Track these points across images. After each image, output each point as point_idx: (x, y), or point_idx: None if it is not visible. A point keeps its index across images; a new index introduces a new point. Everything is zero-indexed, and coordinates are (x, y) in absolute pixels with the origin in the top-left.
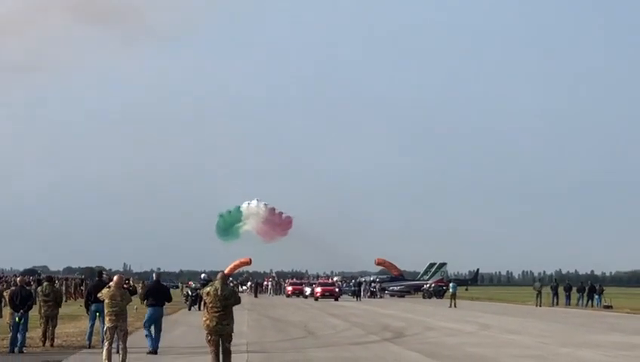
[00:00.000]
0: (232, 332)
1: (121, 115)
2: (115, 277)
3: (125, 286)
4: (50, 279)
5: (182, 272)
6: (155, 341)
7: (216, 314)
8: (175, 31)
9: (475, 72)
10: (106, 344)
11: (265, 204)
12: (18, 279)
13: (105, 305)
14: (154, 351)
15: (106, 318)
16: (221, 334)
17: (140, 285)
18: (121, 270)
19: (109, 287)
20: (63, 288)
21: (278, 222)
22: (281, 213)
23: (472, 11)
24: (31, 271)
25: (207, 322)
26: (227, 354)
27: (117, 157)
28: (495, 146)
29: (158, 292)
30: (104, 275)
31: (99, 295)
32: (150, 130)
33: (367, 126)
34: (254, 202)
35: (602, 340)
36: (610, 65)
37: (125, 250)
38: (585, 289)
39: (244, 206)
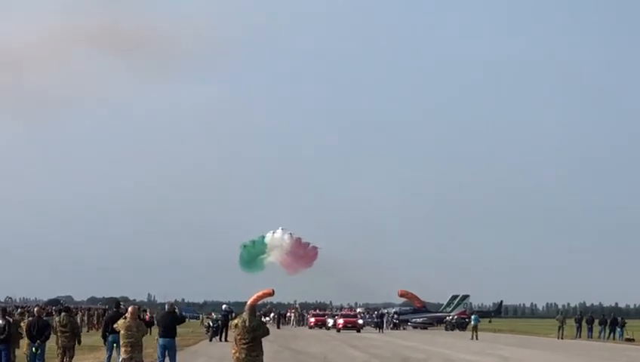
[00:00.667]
0: None
1: (145, 146)
2: (130, 308)
3: (144, 317)
4: (68, 309)
5: (206, 303)
6: None
7: (245, 346)
8: (201, 60)
9: (500, 98)
10: None
11: (290, 234)
12: (35, 309)
13: (120, 336)
14: None
15: (122, 349)
16: None
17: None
18: (145, 300)
19: (125, 318)
20: (85, 318)
21: (302, 254)
22: (307, 244)
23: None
24: (54, 301)
25: (237, 354)
26: None
27: (138, 186)
28: (520, 174)
29: (168, 322)
30: (122, 306)
31: (115, 326)
32: (175, 161)
33: (388, 157)
34: (279, 232)
35: None
36: None
37: (150, 280)
38: (607, 321)
39: (268, 236)
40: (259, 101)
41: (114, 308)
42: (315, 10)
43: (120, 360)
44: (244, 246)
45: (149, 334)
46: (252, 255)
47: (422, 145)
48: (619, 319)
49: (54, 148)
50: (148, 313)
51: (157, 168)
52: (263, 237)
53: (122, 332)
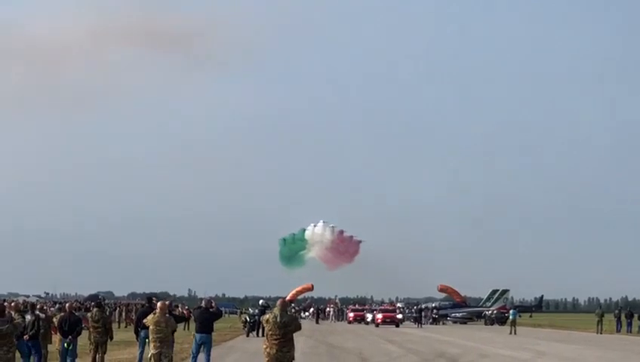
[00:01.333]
0: (293, 359)
1: (182, 142)
2: (159, 303)
3: (184, 311)
4: (100, 305)
5: (246, 298)
6: None
7: (276, 342)
8: (236, 57)
9: (535, 95)
10: None
11: (332, 227)
12: (67, 305)
13: (150, 332)
14: None
15: (151, 344)
16: (281, 361)
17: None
18: (186, 296)
19: (155, 314)
20: (123, 314)
21: (343, 249)
22: (350, 237)
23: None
24: (94, 297)
25: (268, 349)
26: None
27: (178, 183)
28: (558, 169)
29: (204, 318)
30: (154, 301)
31: (144, 321)
32: (212, 156)
33: (426, 149)
34: (320, 224)
35: None
36: None
37: (190, 275)
38: None
39: (309, 229)
40: (292, 97)
41: (146, 303)
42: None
43: (149, 355)
44: (284, 240)
45: (186, 330)
46: (292, 250)
47: (462, 143)
48: None
49: (90, 143)
50: (186, 308)
51: (194, 164)
52: (304, 230)
53: (151, 327)
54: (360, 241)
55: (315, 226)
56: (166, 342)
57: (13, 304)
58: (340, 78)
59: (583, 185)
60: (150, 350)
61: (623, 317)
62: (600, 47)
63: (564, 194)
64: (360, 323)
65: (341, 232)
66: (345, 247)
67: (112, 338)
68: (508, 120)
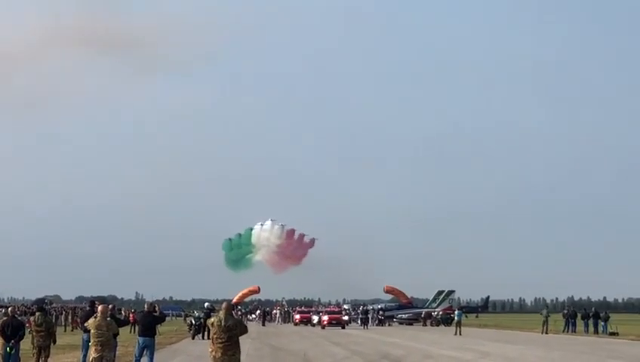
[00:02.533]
0: None
1: (133, 143)
2: (100, 307)
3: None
4: (42, 309)
5: (194, 301)
6: None
7: (221, 345)
8: (188, 61)
9: (487, 100)
10: None
11: (282, 225)
12: (9, 309)
13: (91, 335)
14: None
15: (92, 348)
16: None
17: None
18: (134, 299)
19: (95, 317)
20: (70, 317)
21: (290, 252)
22: (302, 235)
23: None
24: (41, 301)
25: (213, 353)
26: None
27: (128, 185)
28: (506, 171)
29: (147, 321)
30: (96, 305)
31: (85, 324)
32: (161, 158)
33: (375, 155)
34: (268, 223)
35: None
36: None
37: (138, 279)
38: (589, 315)
39: (256, 228)
40: (249, 101)
41: (89, 306)
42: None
43: (91, 359)
44: (230, 240)
45: (132, 333)
46: (239, 254)
47: (407, 145)
48: (602, 313)
49: (43, 148)
50: (132, 311)
51: (145, 168)
52: (251, 229)
53: (92, 331)
54: (313, 239)
55: (262, 225)
56: (107, 345)
57: None
58: (294, 80)
59: (530, 186)
60: (91, 354)
61: (563, 318)
62: None
63: (510, 194)
64: (306, 325)
65: (292, 231)
66: (293, 250)
67: (54, 342)
68: (455, 123)
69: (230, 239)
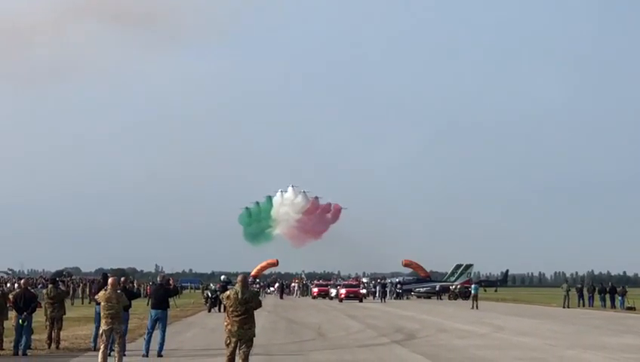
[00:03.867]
0: (254, 336)
1: (150, 118)
2: (110, 279)
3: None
4: (54, 281)
5: (213, 273)
6: (160, 344)
7: (237, 319)
8: (202, 34)
9: (503, 70)
10: (101, 346)
11: (304, 192)
12: (22, 281)
13: (101, 308)
14: (158, 354)
15: (102, 320)
16: (242, 338)
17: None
18: (153, 271)
19: (106, 289)
20: (87, 289)
21: (313, 223)
22: (328, 204)
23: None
24: (59, 273)
25: (229, 327)
26: (245, 359)
27: (147, 160)
28: (525, 144)
29: (159, 294)
30: (109, 277)
31: (96, 297)
32: (180, 132)
33: (395, 127)
34: (289, 191)
35: (612, 342)
36: None
37: (157, 251)
38: (606, 290)
39: (277, 198)
40: (257, 72)
41: (101, 279)
42: None
43: (101, 331)
44: (247, 209)
45: (149, 305)
46: (258, 228)
47: (426, 116)
48: (618, 288)
49: (59, 119)
50: (135, 284)
51: (165, 140)
52: (270, 198)
53: (102, 303)
54: (340, 208)
55: (283, 193)
56: (117, 317)
57: None
58: (301, 53)
59: (546, 160)
60: (102, 326)
61: (585, 292)
62: None
63: (529, 169)
64: (324, 298)
65: (316, 200)
66: (313, 225)
67: (64, 313)
68: (474, 96)
69: (248, 208)
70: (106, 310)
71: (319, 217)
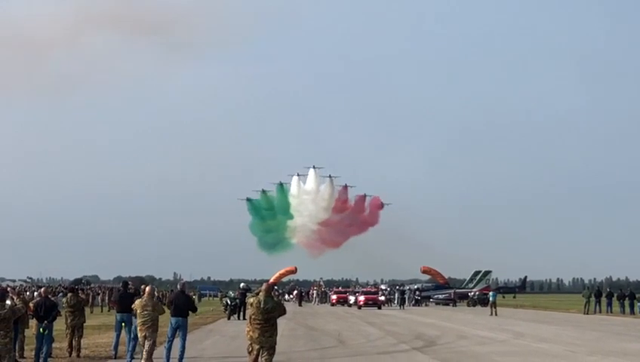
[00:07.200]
0: (275, 344)
1: (166, 124)
2: (148, 288)
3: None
4: (73, 290)
5: (232, 281)
6: (180, 352)
7: (259, 326)
8: (218, 41)
9: (520, 74)
10: (144, 354)
11: (330, 177)
12: (42, 290)
13: (137, 316)
14: None
15: (138, 328)
16: (263, 345)
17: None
18: (172, 279)
19: (141, 298)
20: (106, 298)
21: (334, 232)
22: (363, 195)
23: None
24: (78, 281)
25: (251, 333)
26: None
27: (166, 167)
28: (544, 150)
29: (180, 302)
30: (129, 286)
31: (133, 305)
32: (196, 139)
33: (410, 134)
34: (311, 174)
35: (633, 348)
36: None
37: (176, 259)
38: (625, 296)
39: (293, 180)
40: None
41: (121, 287)
42: None
43: (131, 338)
44: (250, 201)
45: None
46: (275, 238)
47: (448, 124)
48: (637, 294)
49: (78, 129)
50: (168, 293)
51: (181, 148)
52: (282, 185)
53: (138, 311)
54: (382, 203)
55: (299, 177)
56: (152, 326)
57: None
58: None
59: (565, 164)
60: (138, 333)
61: (603, 298)
62: None
63: (548, 175)
64: (343, 305)
65: (345, 188)
66: (347, 222)
67: (84, 321)
68: (492, 103)
69: (250, 200)
70: (142, 318)
71: (351, 216)
